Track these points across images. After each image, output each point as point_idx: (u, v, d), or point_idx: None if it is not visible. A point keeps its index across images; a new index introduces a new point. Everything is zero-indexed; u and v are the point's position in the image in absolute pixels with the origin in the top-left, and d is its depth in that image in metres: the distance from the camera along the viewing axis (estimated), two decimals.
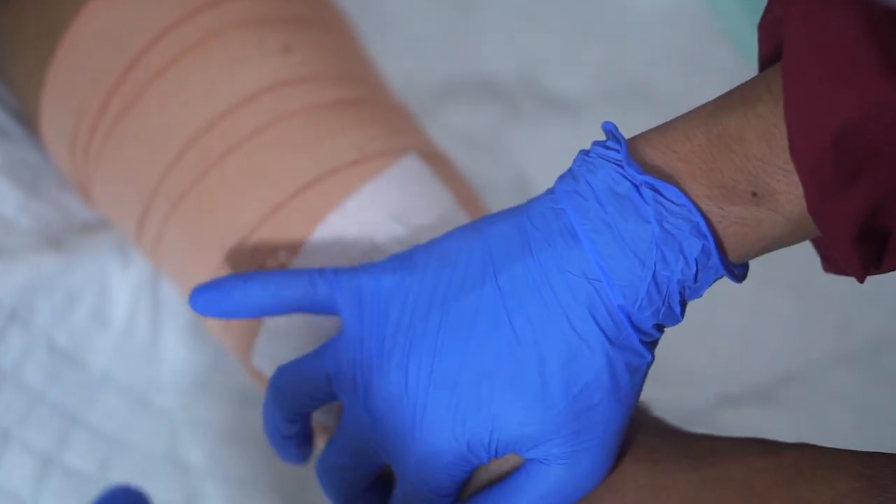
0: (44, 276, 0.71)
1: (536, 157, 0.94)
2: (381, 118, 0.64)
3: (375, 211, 0.59)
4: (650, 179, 0.48)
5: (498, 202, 0.72)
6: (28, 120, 0.72)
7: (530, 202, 0.53)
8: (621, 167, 0.49)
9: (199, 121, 0.62)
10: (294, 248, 0.59)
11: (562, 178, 0.52)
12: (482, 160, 0.93)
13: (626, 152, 0.49)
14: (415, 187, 0.61)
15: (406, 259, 0.54)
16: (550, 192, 0.52)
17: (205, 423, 0.77)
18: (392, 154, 0.62)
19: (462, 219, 0.61)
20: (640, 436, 0.55)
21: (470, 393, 0.51)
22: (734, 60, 0.97)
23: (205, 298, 0.57)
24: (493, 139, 0.95)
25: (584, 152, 0.51)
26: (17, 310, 0.70)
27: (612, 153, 0.49)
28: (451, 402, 0.51)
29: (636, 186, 0.49)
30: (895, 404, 0.88)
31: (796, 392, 0.88)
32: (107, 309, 0.75)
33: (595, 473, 0.52)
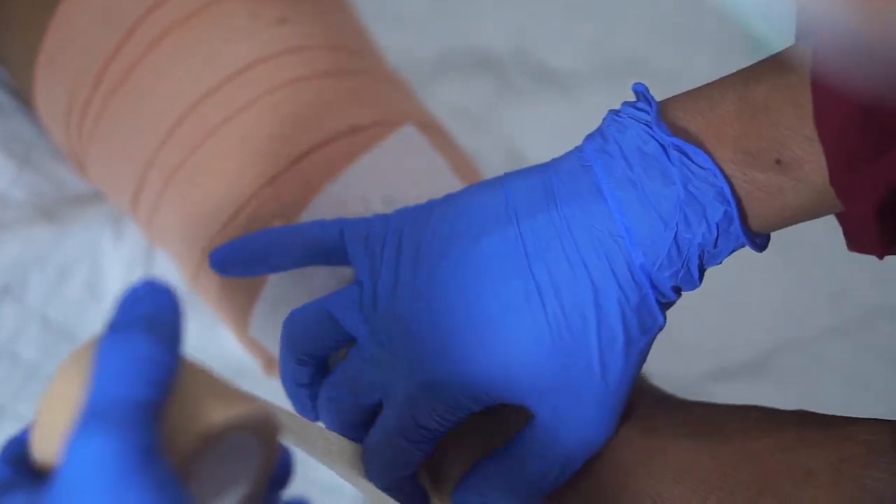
0: (36, 250, 0.71)
1: (530, 132, 0.94)
2: (377, 89, 0.64)
3: (371, 181, 0.59)
4: (678, 142, 0.49)
5: (491, 176, 0.72)
6: (23, 95, 0.72)
7: (556, 160, 0.53)
8: (650, 128, 0.49)
9: (194, 93, 0.61)
10: (289, 218, 0.59)
11: (591, 136, 0.52)
12: (475, 134, 0.93)
13: (655, 114, 0.49)
14: (411, 158, 0.61)
15: (422, 207, 0.55)
16: (579, 149, 0.53)
17: None
18: (388, 125, 0.62)
19: (459, 188, 0.61)
20: (638, 402, 0.55)
21: (482, 330, 0.51)
22: (728, 34, 0.97)
23: (224, 258, 0.58)
24: (486, 114, 0.95)
25: (615, 112, 0.52)
26: (9, 284, 0.70)
27: (642, 114, 0.50)
28: (462, 336, 0.52)
29: (664, 148, 0.49)
30: (887, 375, 0.88)
31: (789, 363, 0.88)
32: (100, 282, 0.75)
33: (599, 432, 0.52)
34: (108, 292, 0.75)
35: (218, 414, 0.38)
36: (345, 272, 0.59)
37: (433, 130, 0.64)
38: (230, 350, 0.78)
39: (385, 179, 0.59)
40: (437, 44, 0.97)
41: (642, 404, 0.55)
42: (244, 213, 0.60)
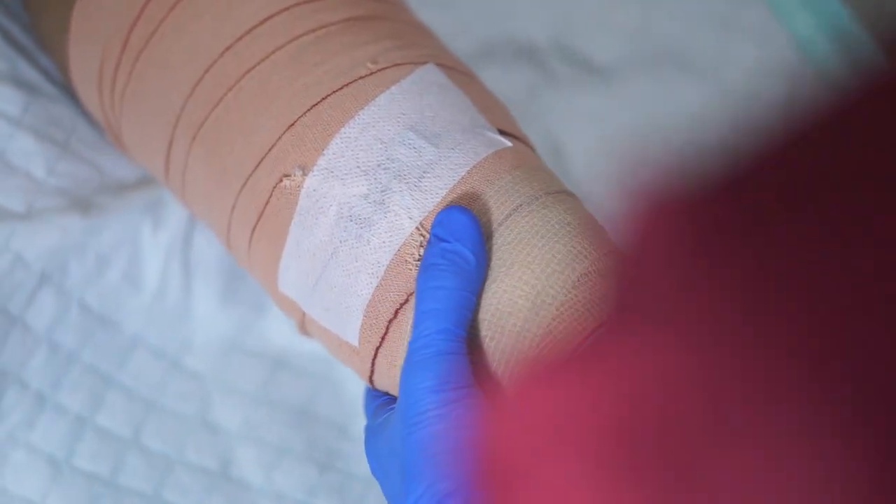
0: (74, 239, 0.71)
1: (569, 121, 0.93)
2: (398, 32, 0.63)
3: (390, 121, 0.58)
4: None
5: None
6: (60, 69, 0.72)
7: None
8: None
9: (214, 48, 0.61)
10: (309, 163, 0.58)
11: None
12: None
13: None
14: (431, 96, 0.60)
15: None
16: None
17: (236, 386, 0.77)
18: (409, 65, 0.61)
19: (482, 123, 0.60)
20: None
21: None
22: (768, 24, 0.96)
23: None
24: (526, 103, 0.95)
25: None
26: (47, 272, 0.71)
27: None
28: None
29: None
30: None
31: None
32: (138, 272, 0.75)
33: None
34: (146, 281, 0.75)
35: None
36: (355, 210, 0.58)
37: (456, 71, 0.63)
38: (267, 341, 0.78)
39: (403, 118, 0.58)
40: (478, 34, 0.97)
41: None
42: (265, 162, 0.60)
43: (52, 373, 0.71)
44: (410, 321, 0.55)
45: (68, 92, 0.74)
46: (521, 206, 0.55)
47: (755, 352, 0.26)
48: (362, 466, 0.78)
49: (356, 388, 0.78)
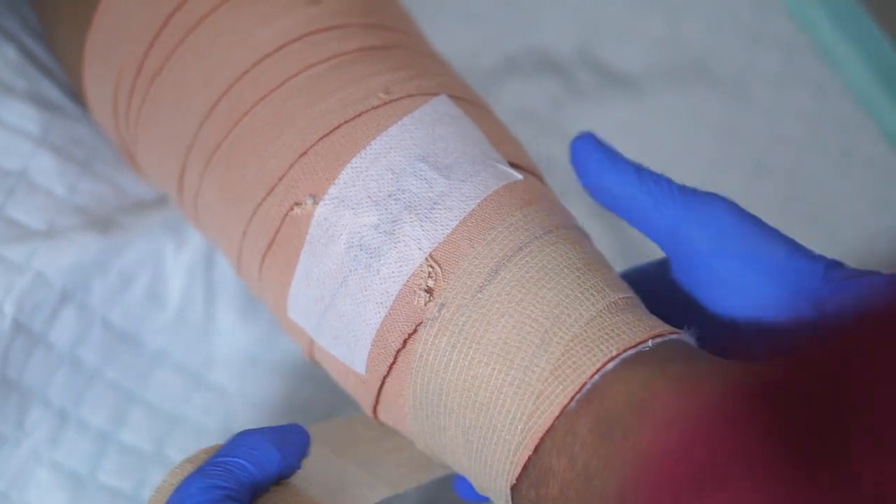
0: (96, 257, 0.71)
1: (596, 132, 0.93)
2: (411, 62, 0.63)
3: (401, 151, 0.58)
4: None
5: (557, 178, 0.71)
6: (76, 91, 0.72)
7: None
8: None
9: (230, 73, 0.61)
10: (320, 192, 0.58)
11: None
12: (541, 136, 0.92)
13: None
14: (443, 127, 0.60)
15: None
16: None
17: (259, 400, 0.77)
18: (421, 96, 0.61)
19: (494, 157, 0.60)
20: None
21: None
22: (795, 35, 0.96)
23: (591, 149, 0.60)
24: (551, 115, 0.95)
25: None
26: (68, 289, 0.71)
27: None
28: None
29: None
30: None
31: None
32: (161, 289, 0.75)
33: None
34: (169, 299, 0.75)
35: None
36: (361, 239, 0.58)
37: (469, 102, 0.63)
38: (289, 356, 0.78)
39: (415, 149, 0.58)
40: (503, 45, 0.97)
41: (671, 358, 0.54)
42: (277, 191, 0.60)
43: (75, 390, 0.71)
44: (419, 351, 0.55)
45: (87, 110, 0.74)
46: (533, 240, 0.55)
47: None
48: None
49: None
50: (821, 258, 0.54)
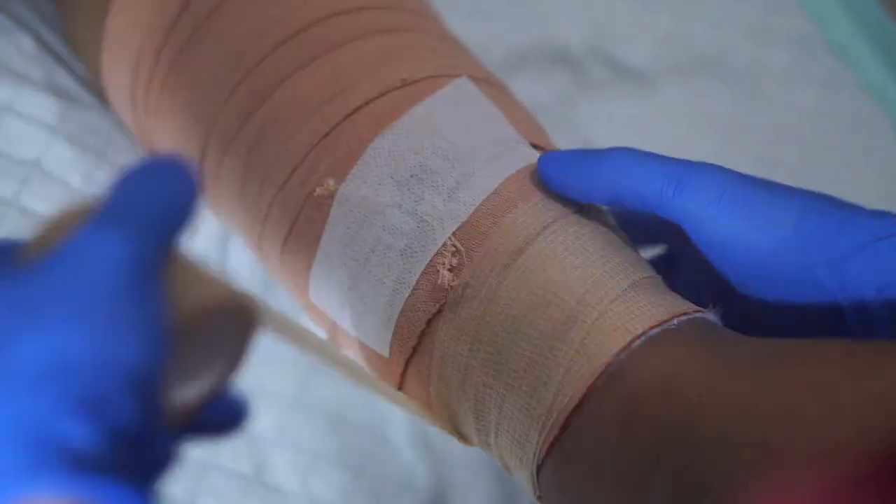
0: None
1: (605, 127, 0.93)
2: (431, 45, 0.63)
3: (423, 132, 0.58)
4: None
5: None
6: (94, 80, 0.73)
7: None
8: None
9: (248, 58, 0.61)
10: (342, 173, 0.58)
11: None
12: (551, 129, 0.92)
13: None
14: (464, 108, 0.60)
15: None
16: None
17: (271, 392, 0.77)
18: (442, 77, 0.61)
19: (515, 136, 0.59)
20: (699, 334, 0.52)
21: None
22: (806, 30, 0.96)
23: (558, 169, 0.56)
24: (562, 109, 0.95)
25: None
26: None
27: None
28: None
29: None
30: None
31: None
32: None
33: None
34: None
35: (210, 293, 0.37)
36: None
37: (489, 84, 0.63)
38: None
39: (437, 130, 0.58)
40: (513, 39, 0.97)
41: (702, 334, 0.53)
42: (298, 172, 0.60)
43: None
44: (442, 332, 0.55)
45: (103, 100, 0.75)
46: (556, 219, 0.55)
47: None
48: (396, 470, 0.78)
49: None
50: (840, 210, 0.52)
